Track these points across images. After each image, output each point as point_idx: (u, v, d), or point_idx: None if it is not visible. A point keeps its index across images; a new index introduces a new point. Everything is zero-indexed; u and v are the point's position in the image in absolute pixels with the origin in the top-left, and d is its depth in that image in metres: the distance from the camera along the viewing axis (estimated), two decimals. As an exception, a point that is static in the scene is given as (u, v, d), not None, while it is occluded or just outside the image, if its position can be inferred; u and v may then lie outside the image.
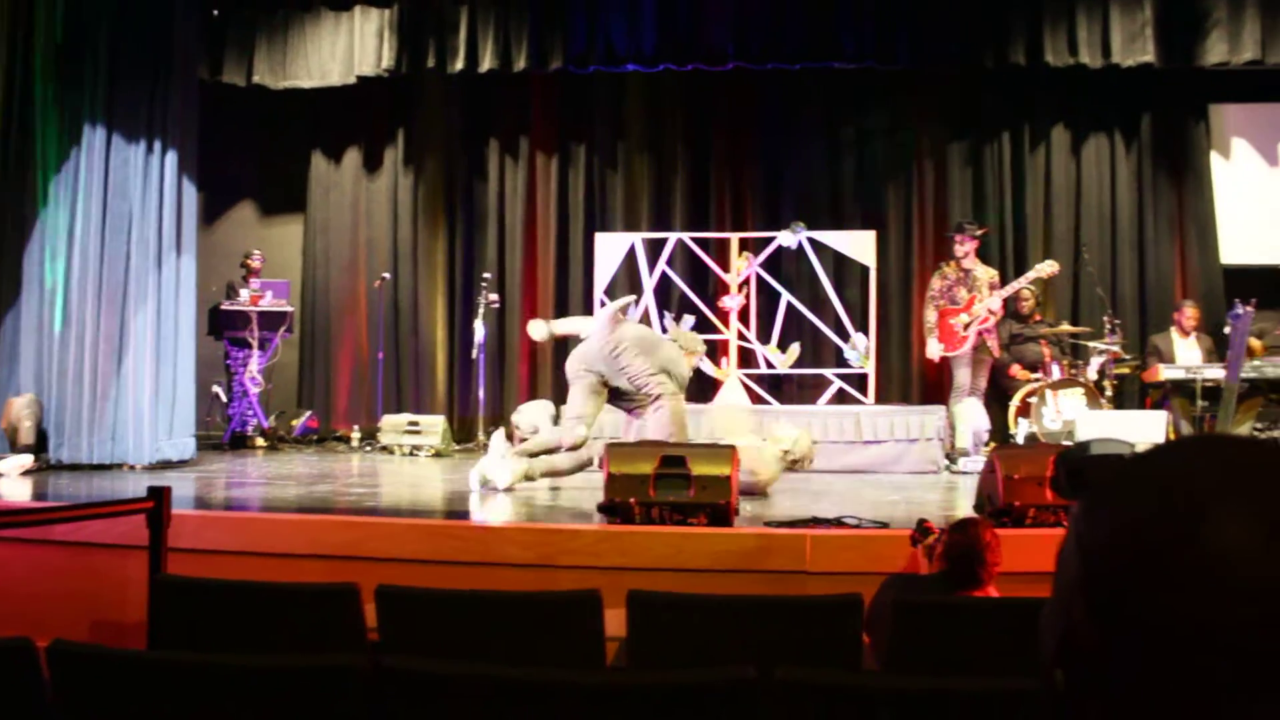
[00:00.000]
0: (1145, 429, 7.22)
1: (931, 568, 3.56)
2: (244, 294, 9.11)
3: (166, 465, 7.32)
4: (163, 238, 7.47)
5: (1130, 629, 0.72)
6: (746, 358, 8.80)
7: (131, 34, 7.38)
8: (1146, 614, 0.70)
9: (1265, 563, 0.68)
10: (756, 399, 8.54)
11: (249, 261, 9.33)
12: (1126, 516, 0.74)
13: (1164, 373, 8.18)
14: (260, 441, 8.98)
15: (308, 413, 9.68)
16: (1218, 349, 8.46)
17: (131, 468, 7.20)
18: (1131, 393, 8.94)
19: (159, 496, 3.67)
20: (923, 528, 4.20)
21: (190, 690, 2.21)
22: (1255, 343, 8.30)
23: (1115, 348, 8.26)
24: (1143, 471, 0.76)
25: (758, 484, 6.09)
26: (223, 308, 9.10)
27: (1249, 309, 7.52)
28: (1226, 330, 7.87)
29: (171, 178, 7.52)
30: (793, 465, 6.33)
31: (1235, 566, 0.68)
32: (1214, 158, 9.44)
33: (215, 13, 8.65)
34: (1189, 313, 8.68)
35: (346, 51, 8.69)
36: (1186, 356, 8.52)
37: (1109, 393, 8.15)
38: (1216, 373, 7.92)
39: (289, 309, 9.31)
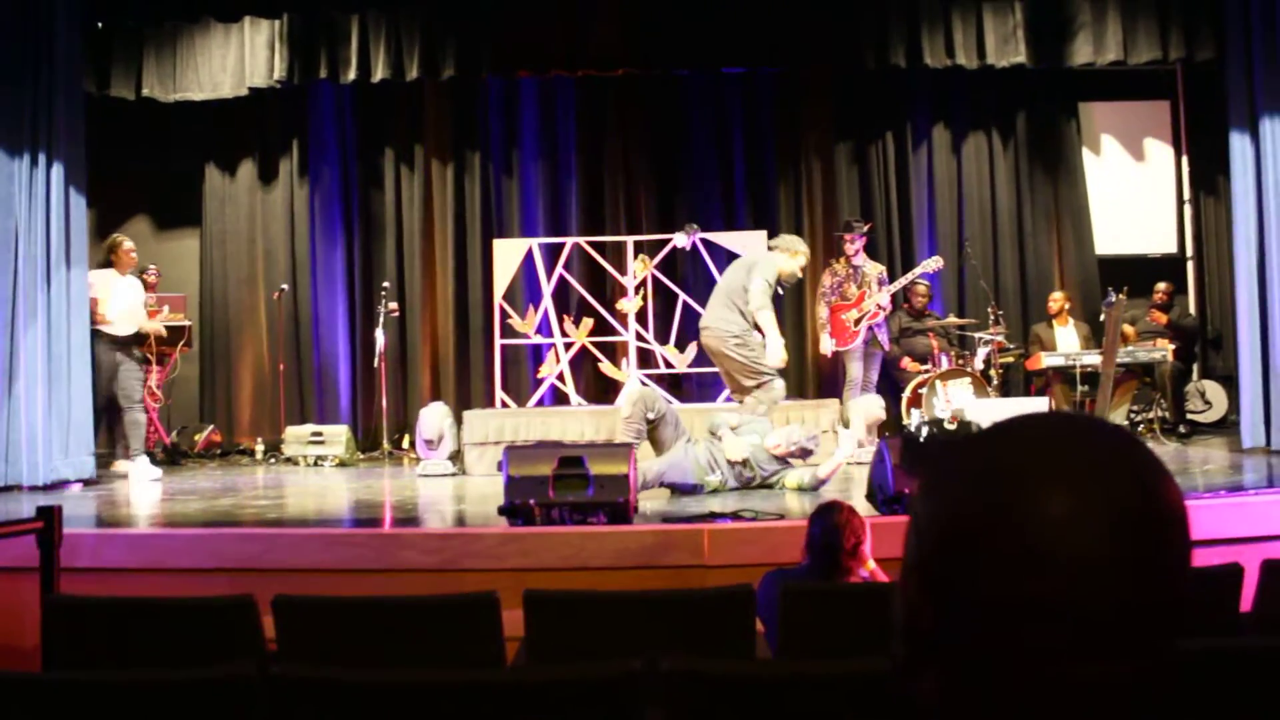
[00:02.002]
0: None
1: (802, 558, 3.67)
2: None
3: (64, 485, 7.21)
4: (51, 253, 7.32)
5: (958, 605, 0.76)
6: (646, 358, 8.94)
7: (10, 46, 7.23)
8: (971, 589, 0.75)
9: (1076, 536, 0.73)
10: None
11: (144, 277, 9.19)
12: (952, 497, 0.78)
13: (1045, 360, 8.54)
14: (162, 457, 8.87)
15: (210, 427, 9.58)
16: (1094, 336, 8.86)
17: (29, 489, 7.07)
18: (1016, 380, 9.30)
19: (48, 516, 3.63)
20: None
21: (83, 710, 2.23)
22: (1128, 329, 8.72)
23: (999, 338, 8.58)
24: (968, 453, 0.80)
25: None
26: (118, 324, 8.95)
27: (1121, 297, 7.89)
28: (1102, 318, 8.25)
29: (59, 192, 7.38)
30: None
31: (1049, 541, 0.73)
32: (1085, 154, 9.89)
33: (100, 24, 8.50)
34: (1054, 295, 9.14)
35: (237, 63, 8.62)
36: (1066, 344, 8.90)
37: (995, 381, 8.46)
38: (1094, 359, 8.29)
39: (187, 323, 9.19)
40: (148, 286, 9.13)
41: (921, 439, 5.11)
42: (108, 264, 7.84)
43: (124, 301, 7.81)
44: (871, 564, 3.62)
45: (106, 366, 7.67)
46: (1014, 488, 0.75)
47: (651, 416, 6.39)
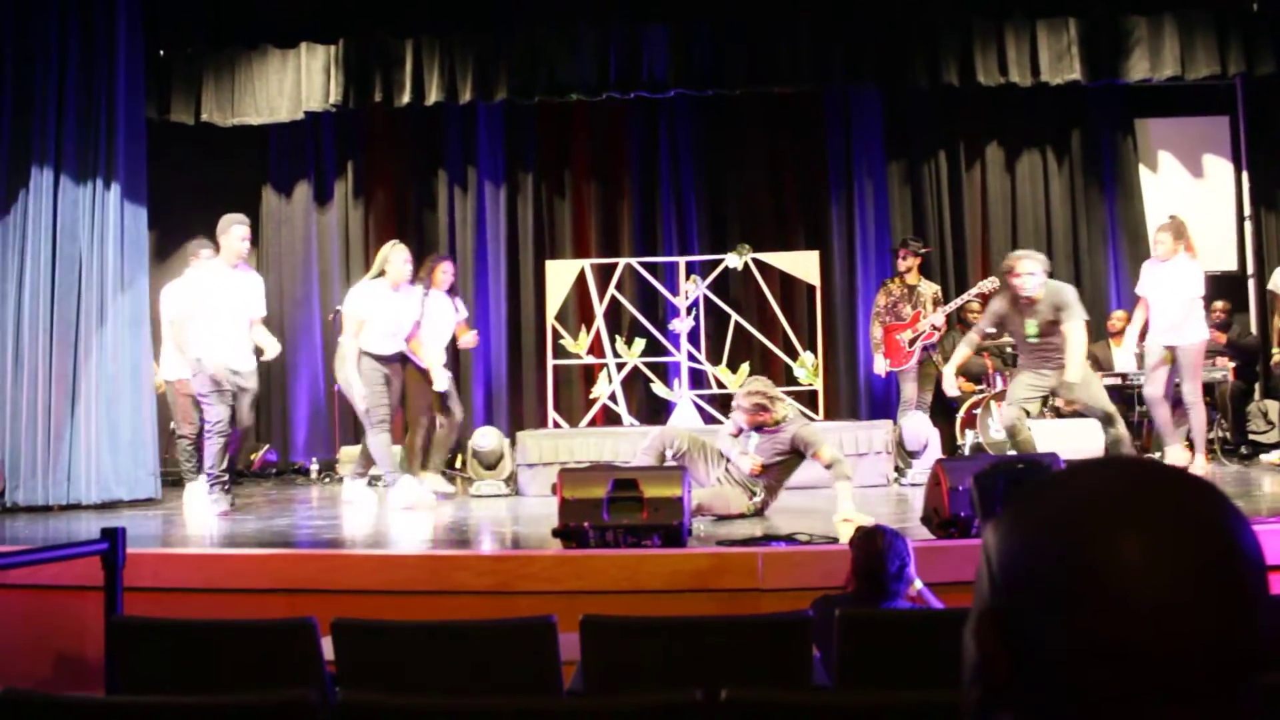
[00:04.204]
0: (1084, 437, 7.44)
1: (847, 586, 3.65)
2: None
3: (124, 504, 7.32)
4: (114, 277, 7.50)
5: (1034, 650, 0.77)
6: (698, 379, 8.94)
7: (76, 75, 7.41)
8: (1048, 635, 0.76)
9: (1154, 581, 0.74)
10: (709, 419, 8.68)
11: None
12: (1027, 542, 0.79)
13: (1103, 380, 8.40)
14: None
15: (266, 446, 9.70)
16: (1152, 355, 8.70)
17: (89, 507, 7.20)
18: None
19: (113, 538, 3.69)
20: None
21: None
22: (1187, 348, 8.55)
23: (1055, 357, 8.46)
24: (1043, 498, 0.80)
25: None
26: (176, 345, 9.09)
27: (1180, 317, 7.75)
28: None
29: (121, 217, 7.56)
30: None
31: (1127, 586, 0.74)
32: (1142, 170, 9.76)
33: (161, 52, 8.69)
34: (1117, 314, 9.02)
35: (294, 88, 8.75)
36: (1123, 363, 8.77)
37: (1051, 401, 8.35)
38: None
39: (243, 344, 9.31)
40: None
41: (994, 482, 4.98)
42: (380, 275, 7.17)
43: (394, 317, 7.16)
44: (918, 584, 3.61)
45: (376, 382, 7.04)
46: (1090, 533, 0.76)
47: (670, 453, 6.32)
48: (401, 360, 7.31)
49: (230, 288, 6.85)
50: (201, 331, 6.73)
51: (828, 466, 6.03)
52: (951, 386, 7.20)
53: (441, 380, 7.44)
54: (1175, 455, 7.36)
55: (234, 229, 6.88)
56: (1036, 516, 0.80)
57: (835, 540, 5.03)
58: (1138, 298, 7.43)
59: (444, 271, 7.84)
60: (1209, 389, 8.50)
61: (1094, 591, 0.74)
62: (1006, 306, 6.68)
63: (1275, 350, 7.99)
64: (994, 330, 6.80)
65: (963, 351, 7.03)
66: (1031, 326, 6.58)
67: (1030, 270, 6.51)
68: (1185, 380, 7.23)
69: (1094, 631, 0.74)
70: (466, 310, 8.36)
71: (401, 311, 7.20)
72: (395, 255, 7.15)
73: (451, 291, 7.99)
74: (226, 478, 6.81)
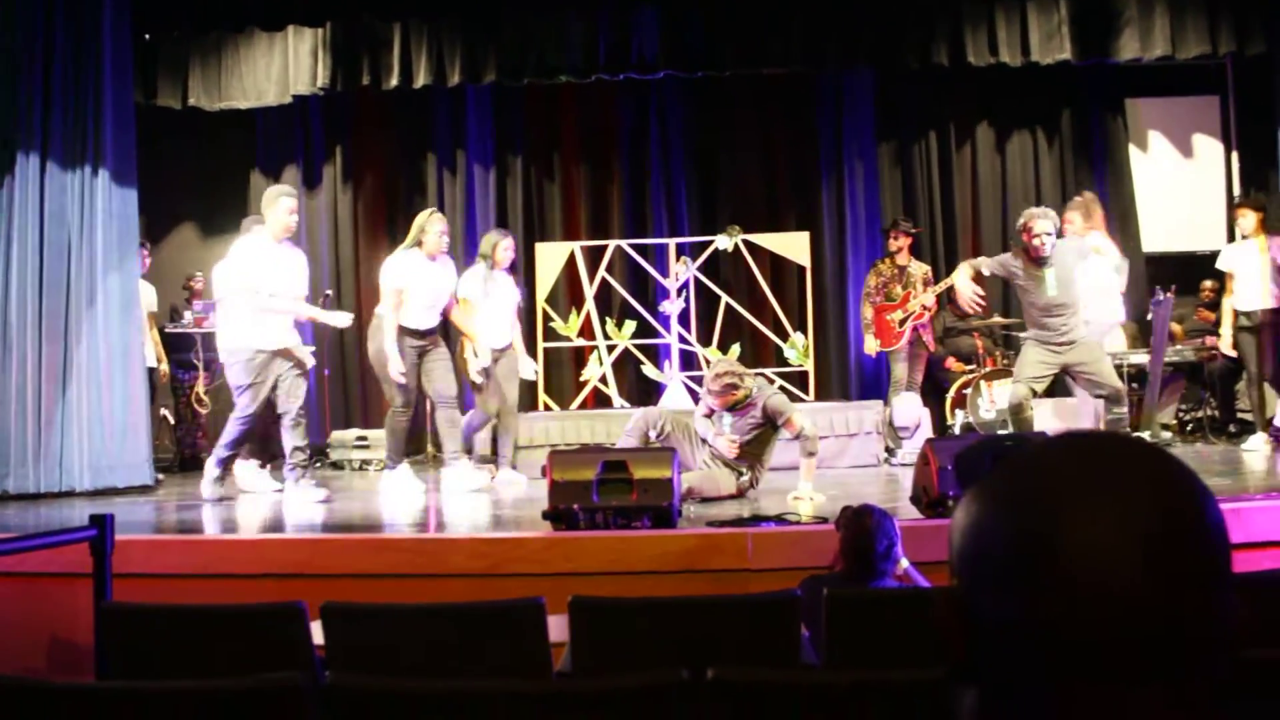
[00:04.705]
0: (1075, 416, 7.47)
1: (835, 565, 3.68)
2: (188, 316, 9.10)
3: (116, 491, 7.31)
4: (103, 262, 7.46)
5: (992, 629, 0.76)
6: (688, 360, 8.95)
7: (61, 61, 7.37)
8: (1008, 613, 0.75)
9: (1112, 560, 0.73)
10: (700, 400, 8.69)
11: (191, 284, 9.31)
12: (989, 520, 0.78)
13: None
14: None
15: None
16: (1141, 334, 8.73)
17: (83, 494, 7.18)
18: (1061, 379, 9.17)
19: (101, 524, 3.69)
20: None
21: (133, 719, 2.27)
22: (1176, 328, 8.60)
23: (1045, 337, 8.47)
24: (1006, 475, 0.79)
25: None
26: (167, 331, 9.08)
27: (1169, 296, 7.78)
28: (1149, 317, 8.13)
29: (109, 202, 7.52)
30: None
31: (1084, 565, 0.73)
32: (1132, 150, 9.75)
33: (147, 36, 8.63)
34: None
35: (281, 71, 8.70)
36: (1113, 343, 8.77)
37: (1041, 381, 8.36)
38: (1141, 358, 8.18)
39: (233, 329, 9.28)
40: (194, 294, 9.26)
41: (980, 458, 4.99)
42: (416, 245, 6.87)
43: (432, 288, 6.91)
44: (905, 563, 3.64)
45: (408, 364, 6.82)
46: (1048, 512, 0.75)
47: (654, 434, 6.32)
48: (441, 335, 7.16)
49: (276, 263, 6.69)
50: (245, 308, 6.58)
51: (796, 436, 6.05)
52: (967, 288, 6.73)
53: (483, 358, 7.22)
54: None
55: (281, 201, 6.66)
56: (998, 494, 0.79)
57: (824, 521, 5.05)
58: None
59: (505, 249, 7.30)
60: (1198, 367, 8.53)
61: (1054, 569, 0.73)
62: (1020, 266, 6.61)
63: (1221, 331, 7.91)
64: (988, 275, 6.68)
65: (965, 270, 6.76)
66: (1050, 280, 6.50)
67: (1047, 230, 6.48)
68: None
69: (1054, 610, 0.73)
70: (521, 293, 7.84)
71: (439, 283, 6.96)
72: (432, 225, 6.86)
73: (511, 269, 7.53)
74: (309, 457, 6.70)
